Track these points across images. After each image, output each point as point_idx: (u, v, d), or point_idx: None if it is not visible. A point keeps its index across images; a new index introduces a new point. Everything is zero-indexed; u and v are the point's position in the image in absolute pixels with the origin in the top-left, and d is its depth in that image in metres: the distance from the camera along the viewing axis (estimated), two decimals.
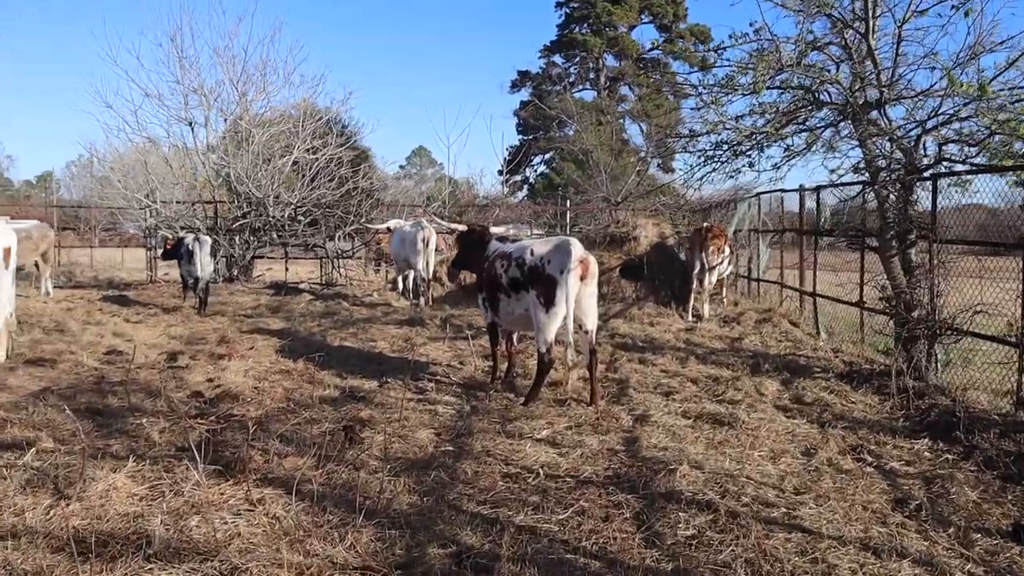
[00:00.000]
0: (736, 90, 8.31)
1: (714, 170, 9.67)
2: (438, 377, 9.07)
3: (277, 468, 5.77)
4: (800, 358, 10.21)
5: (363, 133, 25.42)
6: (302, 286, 19.23)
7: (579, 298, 7.50)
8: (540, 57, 60.54)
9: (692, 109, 9.35)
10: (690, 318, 13.28)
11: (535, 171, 60.49)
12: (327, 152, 20.46)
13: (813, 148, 8.76)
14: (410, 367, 9.48)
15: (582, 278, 7.51)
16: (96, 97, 31.42)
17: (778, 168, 10.23)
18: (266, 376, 8.92)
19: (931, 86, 8.58)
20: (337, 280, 20.07)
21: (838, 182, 10.55)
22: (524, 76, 60.69)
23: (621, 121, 55.35)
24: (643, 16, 59.22)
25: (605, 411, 7.55)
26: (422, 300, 15.36)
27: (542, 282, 7.55)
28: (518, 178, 57.77)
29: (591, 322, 7.81)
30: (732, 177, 10.27)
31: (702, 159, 10.35)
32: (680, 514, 5.00)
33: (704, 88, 8.89)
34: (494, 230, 9.29)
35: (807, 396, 8.36)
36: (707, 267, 13.20)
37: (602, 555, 4.49)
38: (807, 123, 8.78)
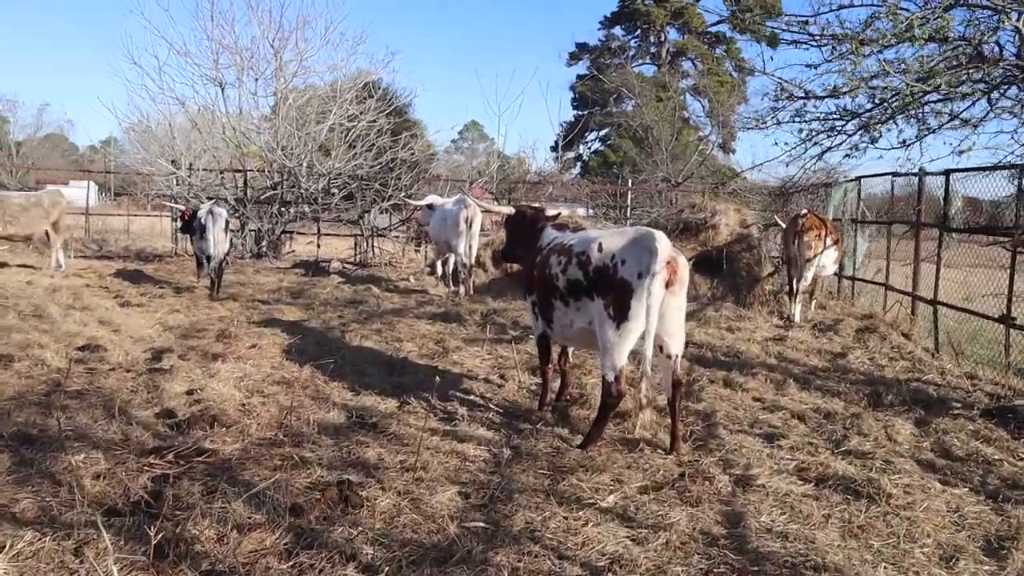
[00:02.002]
0: (877, 41, 6.24)
1: (830, 147, 7.63)
2: (472, 397, 7.24)
3: (231, 554, 4.01)
4: (927, 386, 8.14)
5: (407, 99, 23.68)
6: (333, 265, 17.57)
7: (663, 311, 5.57)
8: (600, 28, 58.04)
9: (808, 66, 7.29)
10: (779, 323, 11.22)
11: (589, 148, 58.18)
12: (366, 118, 18.68)
13: (981, 117, 6.67)
14: (438, 382, 7.68)
15: (668, 285, 5.58)
16: (123, 54, 29.92)
17: (907, 146, 8.13)
18: (261, 387, 7.19)
19: None
20: (372, 260, 18.35)
21: (983, 165, 8.43)
22: (582, 48, 58.27)
23: (682, 98, 52.68)
24: None
25: (691, 464, 5.65)
26: (462, 289, 13.54)
27: (613, 288, 5.64)
28: (571, 155, 55.47)
29: (677, 344, 5.87)
30: (849, 155, 8.18)
31: (810, 133, 8.28)
32: None
33: (826, 38, 6.80)
34: (549, 212, 7.41)
35: (955, 446, 6.35)
36: (802, 262, 11.11)
37: None
38: (964, 84, 6.66)
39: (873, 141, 7.90)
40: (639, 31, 57.64)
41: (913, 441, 6.48)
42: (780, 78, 7.16)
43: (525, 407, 6.97)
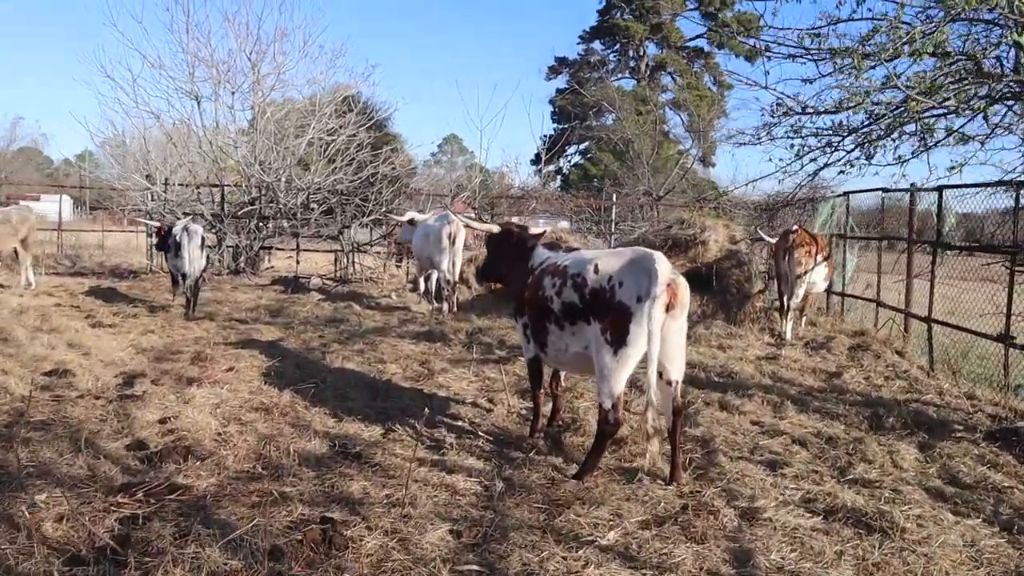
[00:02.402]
0: (878, 55, 6.03)
1: (827, 164, 7.41)
2: (460, 422, 6.94)
3: None
4: (927, 407, 7.93)
5: (387, 112, 23.39)
6: (312, 282, 17.19)
7: (663, 336, 5.30)
8: (579, 43, 58.07)
9: (804, 81, 7.08)
10: (770, 340, 11.02)
11: (569, 162, 58.08)
12: (346, 132, 18.36)
13: (987, 134, 6.48)
14: (425, 407, 7.37)
15: (668, 308, 5.31)
16: (96, 67, 29.24)
17: (903, 163, 7.94)
18: (238, 414, 6.84)
19: None
20: (352, 276, 17.99)
21: (978, 183, 8.30)
22: (561, 62, 58.26)
23: (662, 112, 52.80)
24: (688, 2, 56.42)
25: (692, 495, 5.38)
26: (445, 306, 13.22)
27: (610, 312, 5.37)
28: (551, 168, 55.39)
29: (677, 370, 5.61)
30: (843, 172, 7.99)
31: (802, 149, 8.08)
32: None
33: (824, 52, 6.59)
34: (534, 231, 7.14)
35: (962, 472, 6.14)
36: (792, 279, 10.92)
37: None
38: (964, 102, 6.46)
39: (868, 158, 7.68)
40: (618, 45, 57.73)
41: (919, 467, 6.25)
42: (779, 92, 6.92)
43: (516, 433, 6.68)
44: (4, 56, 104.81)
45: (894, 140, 7.41)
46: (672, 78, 58.32)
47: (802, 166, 7.47)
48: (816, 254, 11.22)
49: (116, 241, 29.50)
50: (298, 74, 45.06)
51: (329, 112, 18.77)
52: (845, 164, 8.04)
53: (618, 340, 5.33)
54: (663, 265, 5.25)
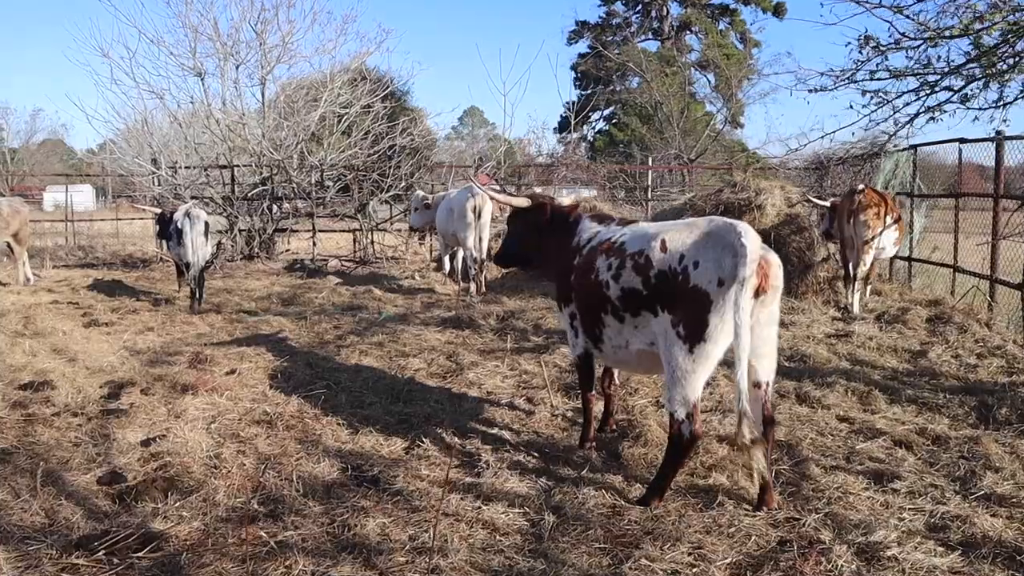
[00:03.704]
0: None
1: (925, 109, 6.21)
2: (496, 430, 5.90)
3: None
4: None
5: (404, 81, 22.25)
6: (330, 264, 16.21)
7: (752, 328, 4.19)
8: (600, 5, 56.15)
9: (894, 9, 5.87)
10: (836, 315, 9.85)
11: (594, 128, 56.49)
12: (359, 103, 17.25)
13: None
14: (453, 411, 6.35)
15: (758, 293, 4.21)
16: (91, 46, 28.13)
17: (1006, 106, 6.72)
18: (237, 429, 5.85)
19: None
20: (372, 256, 16.97)
21: None
22: (583, 26, 56.42)
23: (688, 72, 51.01)
24: None
25: (789, 524, 4.32)
26: (472, 287, 12.18)
27: (684, 300, 4.28)
28: (575, 135, 53.92)
29: (767, 369, 4.51)
30: (933, 119, 6.77)
31: (881, 94, 6.88)
32: None
33: None
34: (564, 202, 6.02)
35: None
36: (860, 244, 9.71)
37: None
38: None
39: (964, 101, 6.48)
40: (640, 6, 55.80)
41: None
42: (892, 17, 5.71)
43: (563, 443, 5.63)
44: (19, 49, 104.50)
45: (1001, 78, 6.17)
46: (697, 38, 56.34)
47: (894, 110, 6.27)
48: (885, 215, 9.99)
49: (134, 229, 28.72)
50: (307, 44, 43.77)
51: (341, 83, 17.65)
52: (936, 109, 6.80)
53: (694, 334, 4.25)
54: (751, 239, 4.12)
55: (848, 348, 8.23)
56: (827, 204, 11.71)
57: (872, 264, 10.16)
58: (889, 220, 9.96)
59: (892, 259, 12.45)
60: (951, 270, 10.84)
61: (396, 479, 4.92)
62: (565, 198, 6.39)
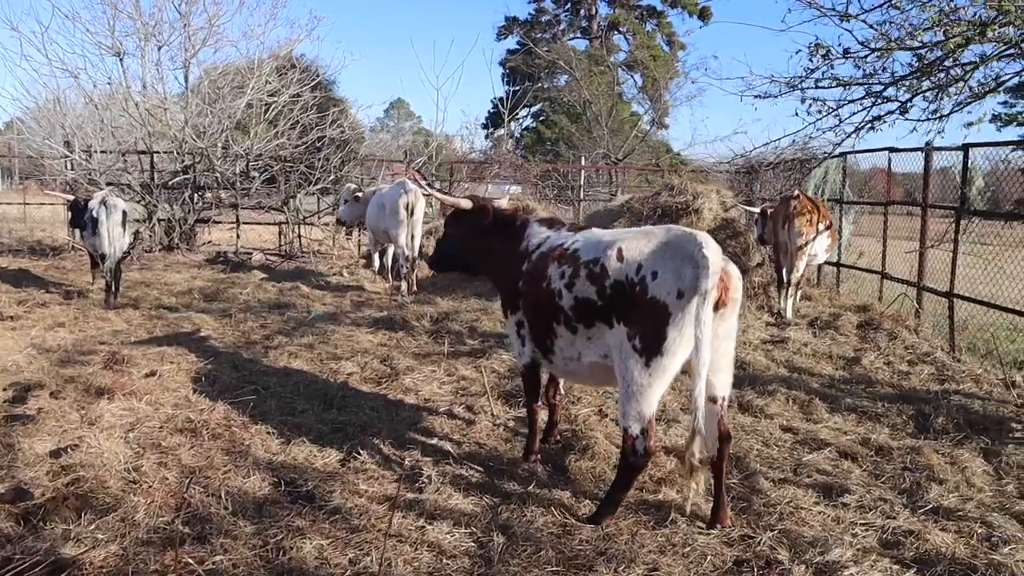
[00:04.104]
0: None
1: (875, 119, 6.23)
2: (436, 440, 5.66)
3: None
4: (971, 400, 6.88)
5: (334, 70, 21.67)
6: (255, 258, 15.62)
7: (711, 340, 4.06)
8: (530, 2, 56.14)
9: (843, 16, 5.85)
10: (771, 320, 9.92)
11: (521, 125, 56.44)
12: (288, 92, 16.66)
13: None
14: (390, 419, 6.08)
15: (718, 306, 4.09)
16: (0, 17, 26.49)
17: (941, 118, 6.83)
18: (158, 439, 5.45)
19: None
20: (299, 251, 16.43)
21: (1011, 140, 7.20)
22: (512, 22, 56.33)
23: (615, 72, 51.41)
24: None
25: (744, 542, 4.23)
26: (404, 285, 11.86)
27: (641, 312, 4.12)
28: (504, 132, 53.80)
29: (724, 383, 4.40)
30: (873, 128, 6.83)
31: (825, 108, 6.91)
32: None
33: None
34: (499, 202, 5.84)
35: None
36: (794, 250, 9.80)
37: None
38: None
39: (903, 112, 6.54)
40: (569, 4, 56.02)
41: (994, 485, 5.18)
42: (859, 26, 5.68)
43: (507, 455, 5.42)
44: None
45: (941, 91, 6.23)
46: (625, 38, 56.88)
47: (840, 120, 6.27)
48: (818, 222, 10.12)
49: (43, 214, 27.22)
50: (234, 28, 42.39)
51: (270, 70, 17.02)
52: (878, 120, 6.86)
53: (651, 348, 4.09)
54: (712, 250, 4.00)
55: (785, 355, 8.26)
56: (756, 210, 11.84)
57: (803, 270, 10.27)
58: (822, 227, 10.10)
59: (820, 264, 12.66)
60: (879, 276, 11.05)
61: (333, 495, 4.63)
62: (502, 199, 6.17)
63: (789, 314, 9.94)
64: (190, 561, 3.78)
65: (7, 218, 24.92)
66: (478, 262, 5.68)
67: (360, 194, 13.70)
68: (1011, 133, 23.81)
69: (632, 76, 53.84)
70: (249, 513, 4.38)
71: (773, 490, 4.91)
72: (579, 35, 57.39)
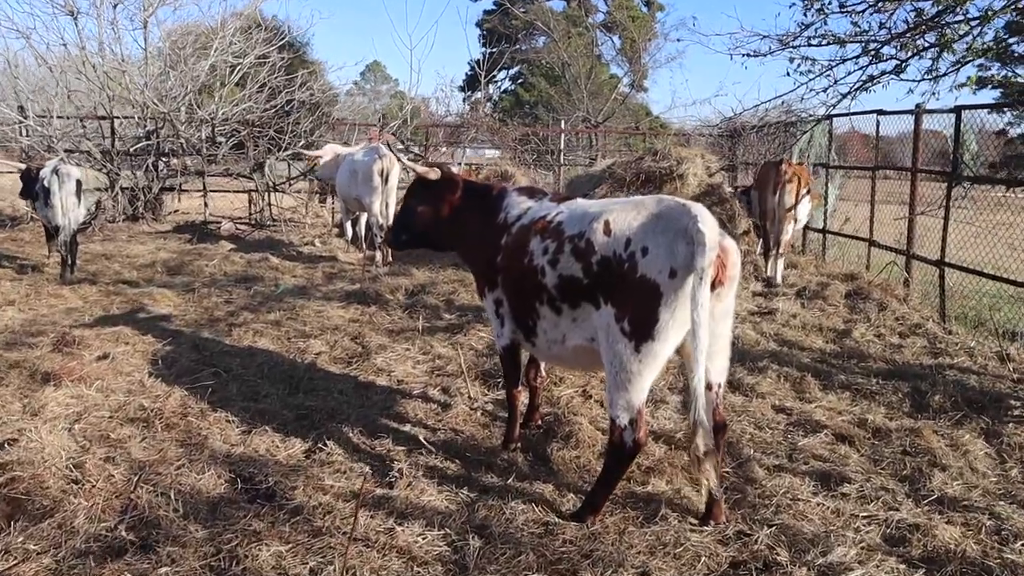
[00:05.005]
0: None
1: (870, 79, 5.86)
2: (409, 427, 5.30)
3: None
4: (966, 375, 6.60)
5: (303, 30, 20.85)
6: (224, 227, 15.07)
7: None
8: None
9: None
10: (759, 289, 9.61)
11: (499, 88, 55.53)
12: (254, 53, 15.97)
13: None
14: (360, 404, 5.70)
15: (715, 285, 3.72)
16: None
17: (937, 79, 6.48)
18: (107, 430, 5.04)
19: None
20: (269, 219, 15.88)
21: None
22: None
23: (594, 34, 50.58)
24: None
25: (740, 539, 3.91)
26: (379, 255, 11.42)
27: (630, 292, 3.75)
28: (481, 95, 52.91)
29: (719, 369, 4.06)
30: (866, 88, 6.46)
31: (808, 63, 6.53)
32: None
33: None
34: (453, 169, 5.36)
35: None
36: (782, 215, 9.50)
37: None
38: None
39: (898, 72, 6.18)
40: None
41: (998, 470, 4.91)
42: None
43: (484, 443, 5.06)
44: None
45: (944, 48, 5.86)
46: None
47: (835, 80, 5.89)
48: (800, 187, 9.82)
49: (5, 182, 26.35)
50: None
51: (234, 30, 16.30)
52: (872, 80, 6.49)
53: (641, 331, 3.73)
54: (709, 223, 3.61)
55: (773, 327, 7.95)
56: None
57: (791, 234, 10.02)
58: (803, 191, 9.82)
59: (805, 231, 12.37)
60: (866, 243, 10.76)
61: (295, 492, 4.26)
62: (453, 165, 5.65)
63: (779, 278, 9.67)
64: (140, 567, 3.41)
65: None
66: (446, 238, 5.23)
67: (333, 154, 12.86)
68: (985, 96, 23.55)
69: (611, 38, 52.98)
70: (202, 515, 4.00)
71: (768, 479, 4.60)
72: None
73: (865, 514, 4.22)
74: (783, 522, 4.07)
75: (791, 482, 4.55)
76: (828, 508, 4.28)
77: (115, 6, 15.63)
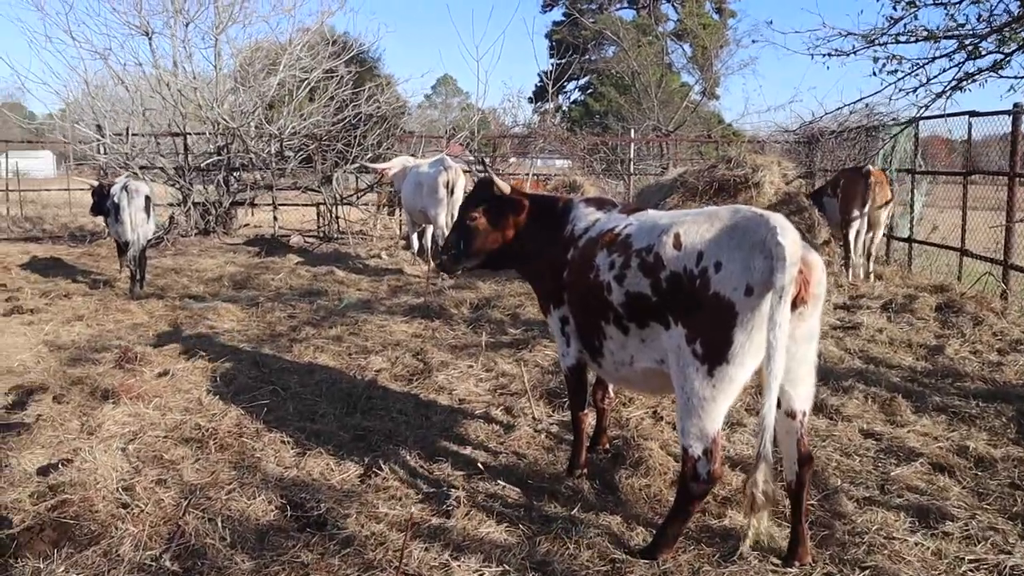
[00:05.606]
0: None
1: (966, 77, 5.39)
2: (470, 450, 5.04)
3: None
4: None
5: (370, 44, 20.93)
6: (293, 240, 15.16)
7: (788, 345, 3.33)
8: None
9: None
10: (838, 302, 9.10)
11: (568, 98, 55.25)
12: (321, 68, 16.08)
13: None
14: (419, 425, 5.47)
15: (796, 304, 3.35)
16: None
17: None
18: (161, 451, 4.92)
19: None
20: (337, 232, 15.92)
21: None
22: None
23: (664, 42, 49.93)
24: None
25: None
26: None
27: (702, 310, 3.41)
28: (550, 106, 52.75)
29: (804, 396, 3.66)
30: (961, 88, 5.94)
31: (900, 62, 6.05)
32: None
33: None
34: (500, 184, 4.84)
35: None
36: (874, 222, 9.05)
37: None
38: None
39: (997, 69, 5.67)
40: None
41: None
42: None
43: (548, 469, 4.77)
44: None
45: None
46: (673, 7, 55.23)
47: (927, 78, 5.42)
48: (889, 195, 9.30)
49: (87, 199, 27.26)
50: (263, 2, 41.69)
51: (302, 45, 16.46)
52: (968, 78, 5.97)
53: (715, 354, 3.39)
54: (789, 236, 3.25)
55: (858, 343, 7.44)
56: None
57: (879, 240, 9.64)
58: (891, 198, 9.36)
59: (889, 240, 11.73)
60: (957, 253, 10.10)
61: (347, 520, 4.04)
62: (503, 184, 5.04)
63: (872, 280, 9.30)
64: None
65: (53, 204, 25.04)
66: (508, 257, 4.92)
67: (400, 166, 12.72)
68: None
69: (681, 46, 52.26)
70: (250, 545, 3.81)
71: (859, 514, 4.18)
72: (626, 5, 55.90)
73: (972, 557, 3.77)
74: (877, 564, 3.66)
75: (884, 517, 4.13)
76: (928, 549, 3.84)
77: (187, 25, 15.97)
